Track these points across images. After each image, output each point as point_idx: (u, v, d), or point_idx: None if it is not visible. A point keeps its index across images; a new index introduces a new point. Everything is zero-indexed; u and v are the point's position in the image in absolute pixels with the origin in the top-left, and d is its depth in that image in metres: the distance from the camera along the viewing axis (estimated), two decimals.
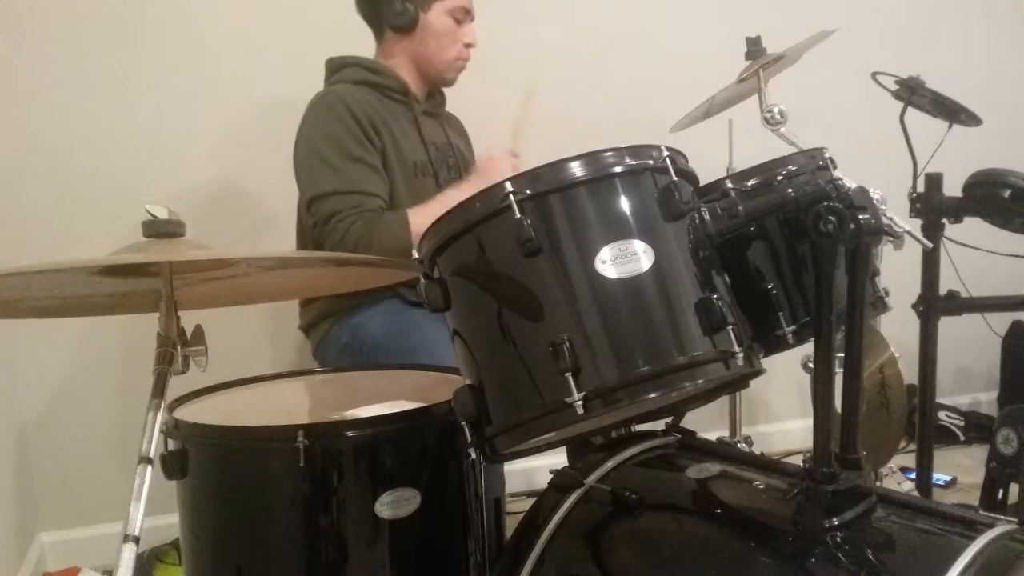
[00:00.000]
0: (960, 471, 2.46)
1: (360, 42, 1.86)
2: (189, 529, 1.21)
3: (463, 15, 1.82)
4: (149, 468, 0.93)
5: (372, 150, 1.71)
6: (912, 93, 1.87)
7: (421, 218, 1.60)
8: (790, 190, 0.98)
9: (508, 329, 0.98)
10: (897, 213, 1.10)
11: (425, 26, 1.79)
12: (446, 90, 1.96)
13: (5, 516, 1.88)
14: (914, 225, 1.77)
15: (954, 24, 2.85)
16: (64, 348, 2.07)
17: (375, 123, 1.73)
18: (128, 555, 0.88)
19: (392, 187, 1.75)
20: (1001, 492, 1.80)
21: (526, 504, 1.20)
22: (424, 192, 1.78)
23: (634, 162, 0.99)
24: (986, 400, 3.01)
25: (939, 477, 2.23)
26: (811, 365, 1.00)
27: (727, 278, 1.04)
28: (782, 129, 1.31)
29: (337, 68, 1.84)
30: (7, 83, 1.96)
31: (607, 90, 2.43)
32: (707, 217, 1.00)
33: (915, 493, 1.89)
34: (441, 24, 1.80)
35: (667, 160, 1.00)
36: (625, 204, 0.98)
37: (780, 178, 1.12)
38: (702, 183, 1.11)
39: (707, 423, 2.19)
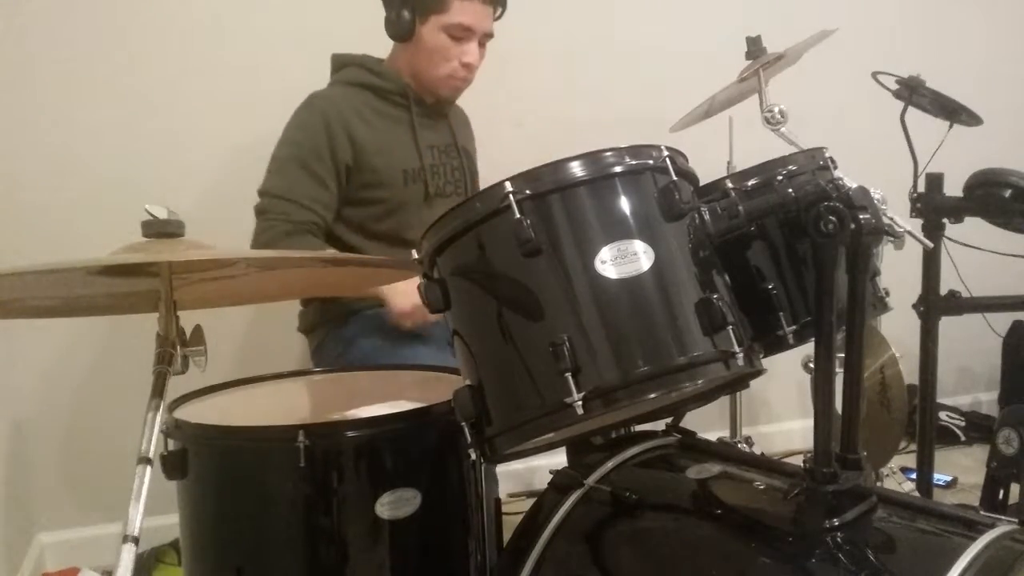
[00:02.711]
0: (961, 471, 2.46)
1: (366, 40, 1.84)
2: (189, 529, 1.21)
3: (463, 32, 1.72)
4: (149, 468, 0.93)
5: (329, 164, 1.70)
6: (912, 93, 1.87)
7: None
8: (790, 190, 0.98)
9: (508, 329, 0.98)
10: (897, 213, 1.10)
11: (420, 38, 1.73)
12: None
13: (5, 516, 1.87)
14: (915, 225, 1.77)
15: (954, 24, 2.84)
16: (63, 348, 2.07)
17: (351, 133, 1.71)
18: (128, 555, 0.88)
19: (380, 196, 1.75)
20: (1002, 492, 1.79)
21: (526, 504, 1.20)
22: (413, 200, 1.77)
23: (634, 162, 0.99)
24: (987, 400, 3.01)
25: (939, 477, 2.22)
26: (811, 365, 1.00)
27: (727, 278, 1.04)
28: (782, 129, 1.31)
29: (340, 67, 1.83)
30: (7, 83, 1.96)
31: (607, 90, 2.43)
32: (707, 217, 1.00)
33: (915, 493, 1.89)
34: (434, 40, 1.72)
35: (667, 160, 1.00)
36: (625, 204, 0.97)
37: (780, 178, 1.12)
38: (702, 183, 1.11)
39: (707, 423, 2.18)
